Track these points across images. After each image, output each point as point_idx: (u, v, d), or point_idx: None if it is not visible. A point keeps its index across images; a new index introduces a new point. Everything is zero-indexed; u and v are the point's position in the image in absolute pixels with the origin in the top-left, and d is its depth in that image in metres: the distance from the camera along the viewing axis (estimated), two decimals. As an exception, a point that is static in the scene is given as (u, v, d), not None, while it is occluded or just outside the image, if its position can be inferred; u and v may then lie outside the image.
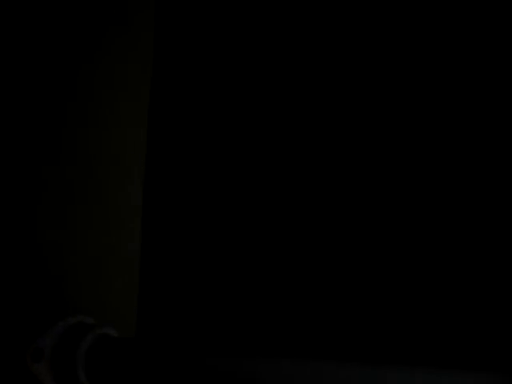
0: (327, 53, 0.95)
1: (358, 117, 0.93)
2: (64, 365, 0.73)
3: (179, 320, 0.96)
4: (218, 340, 0.95)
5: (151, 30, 0.94)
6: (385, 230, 0.91)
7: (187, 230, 0.98)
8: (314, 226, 0.94)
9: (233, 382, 0.67)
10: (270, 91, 0.97)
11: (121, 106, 0.91)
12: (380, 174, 0.92)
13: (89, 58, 0.87)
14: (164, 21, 0.98)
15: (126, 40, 0.90)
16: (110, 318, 0.86)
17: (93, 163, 0.88)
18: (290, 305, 0.93)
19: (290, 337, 0.92)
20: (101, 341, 0.74)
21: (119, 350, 0.74)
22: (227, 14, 0.98)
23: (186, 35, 0.99)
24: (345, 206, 0.93)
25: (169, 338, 0.94)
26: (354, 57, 0.93)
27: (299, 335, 0.92)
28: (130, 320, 0.90)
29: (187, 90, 0.99)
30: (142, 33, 0.93)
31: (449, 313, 0.88)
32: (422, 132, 0.90)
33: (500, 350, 0.83)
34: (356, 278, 0.91)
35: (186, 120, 0.99)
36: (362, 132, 0.93)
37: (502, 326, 0.84)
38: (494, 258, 0.87)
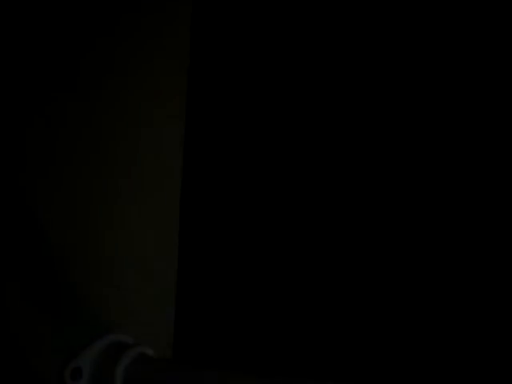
0: (327, 53, 0.95)
1: (359, 117, 0.93)
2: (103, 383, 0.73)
3: (215, 339, 0.96)
4: (251, 360, 0.94)
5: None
6: (385, 230, 0.90)
7: (225, 244, 0.98)
8: (318, 228, 0.93)
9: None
10: (271, 91, 0.97)
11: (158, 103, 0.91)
12: (380, 174, 0.91)
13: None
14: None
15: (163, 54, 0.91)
16: (147, 337, 0.85)
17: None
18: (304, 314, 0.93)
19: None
20: (139, 360, 0.74)
21: (158, 369, 0.73)
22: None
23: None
24: (345, 206, 0.92)
25: (205, 358, 0.93)
26: (353, 57, 0.93)
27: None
28: (167, 340, 0.90)
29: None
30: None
31: (448, 316, 0.86)
32: (422, 132, 0.90)
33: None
34: (356, 281, 0.91)
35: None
36: (362, 132, 0.92)
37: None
38: (493, 258, 0.85)
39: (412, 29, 0.90)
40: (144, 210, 0.89)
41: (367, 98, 0.92)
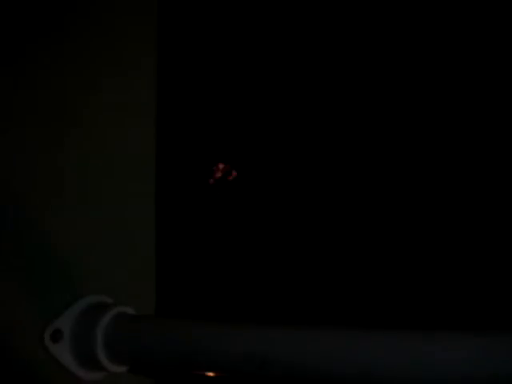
0: (327, 54, 0.94)
1: (359, 117, 0.92)
2: (83, 344, 0.72)
3: (195, 300, 0.96)
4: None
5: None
6: (385, 229, 0.90)
7: (198, 220, 0.98)
8: (316, 225, 0.93)
9: (247, 356, 0.65)
10: (271, 92, 0.96)
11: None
12: (380, 174, 0.91)
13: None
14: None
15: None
16: (129, 298, 0.85)
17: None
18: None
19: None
20: (119, 319, 0.73)
21: (139, 326, 0.73)
22: (229, 13, 0.97)
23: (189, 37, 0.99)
24: (345, 206, 0.92)
25: (186, 315, 0.93)
26: (354, 57, 0.93)
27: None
28: (148, 301, 0.89)
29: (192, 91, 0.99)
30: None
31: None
32: (421, 132, 0.90)
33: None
34: (356, 279, 0.91)
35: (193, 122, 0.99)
36: (362, 132, 0.92)
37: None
38: (494, 258, 0.86)
39: (412, 29, 0.90)
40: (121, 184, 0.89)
41: (366, 99, 0.92)
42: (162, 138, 0.94)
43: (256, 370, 0.62)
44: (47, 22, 0.82)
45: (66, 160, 0.83)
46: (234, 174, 0.88)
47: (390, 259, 0.90)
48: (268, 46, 0.96)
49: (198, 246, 0.99)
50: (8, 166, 0.77)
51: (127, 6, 0.91)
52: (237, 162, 0.97)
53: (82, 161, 0.84)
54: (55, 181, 0.81)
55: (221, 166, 0.93)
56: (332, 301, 0.92)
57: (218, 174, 0.92)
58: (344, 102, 0.93)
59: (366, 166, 0.92)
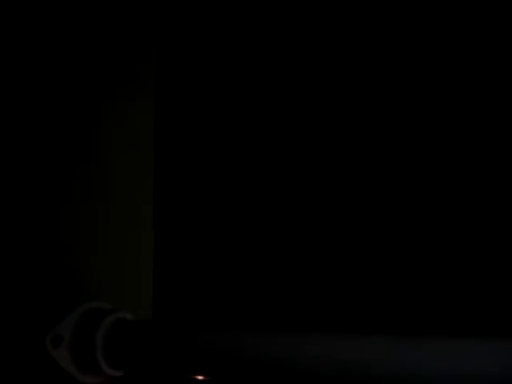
0: (327, 54, 0.95)
1: (358, 118, 0.93)
2: (83, 349, 0.74)
3: (193, 304, 0.97)
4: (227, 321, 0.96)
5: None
6: (384, 229, 0.91)
7: (196, 224, 0.99)
8: (314, 225, 0.94)
9: (252, 360, 0.67)
10: (271, 92, 0.97)
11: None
12: (380, 174, 0.92)
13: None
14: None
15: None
16: (127, 304, 0.87)
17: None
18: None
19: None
20: (118, 324, 0.75)
21: (137, 332, 0.75)
22: (228, 14, 0.98)
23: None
24: (345, 205, 0.93)
25: (185, 320, 0.95)
26: (353, 57, 0.94)
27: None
28: (146, 305, 0.91)
29: (189, 91, 1.00)
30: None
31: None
32: (421, 132, 0.91)
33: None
34: (356, 280, 0.92)
35: (190, 121, 1.00)
36: (363, 133, 0.93)
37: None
38: (493, 258, 0.87)
39: (412, 29, 0.90)
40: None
41: (362, 98, 0.92)
42: (160, 136, 0.96)
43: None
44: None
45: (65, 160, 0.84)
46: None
47: (390, 259, 0.91)
48: (268, 46, 0.97)
49: (195, 248, 1.01)
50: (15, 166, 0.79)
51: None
52: (236, 162, 0.98)
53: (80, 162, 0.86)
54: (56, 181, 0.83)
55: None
56: (332, 301, 0.93)
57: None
58: (344, 102, 0.94)
59: (366, 166, 0.93)
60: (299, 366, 0.64)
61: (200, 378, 0.72)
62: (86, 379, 0.77)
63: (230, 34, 0.99)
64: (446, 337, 0.60)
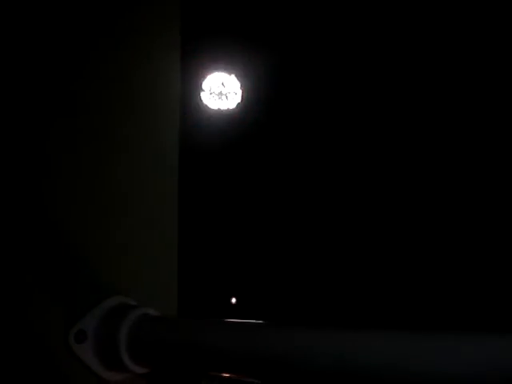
0: (327, 54, 0.94)
1: (358, 118, 0.92)
2: (107, 345, 0.73)
3: (217, 302, 0.96)
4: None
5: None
6: (384, 228, 0.90)
7: (219, 224, 0.98)
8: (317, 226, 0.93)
9: (271, 357, 0.65)
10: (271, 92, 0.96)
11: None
12: (380, 175, 0.90)
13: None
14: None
15: None
16: (152, 299, 0.85)
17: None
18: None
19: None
20: (142, 320, 0.74)
21: (161, 328, 0.73)
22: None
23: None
24: (345, 206, 0.92)
25: (209, 316, 0.93)
26: (353, 58, 0.92)
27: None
28: (171, 302, 0.90)
29: None
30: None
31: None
32: (421, 133, 0.89)
33: None
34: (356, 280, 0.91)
35: None
36: (362, 133, 0.92)
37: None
38: (493, 258, 0.85)
39: (412, 29, 0.89)
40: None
41: (366, 99, 0.91)
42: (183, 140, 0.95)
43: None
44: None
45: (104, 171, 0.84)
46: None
47: (390, 260, 0.89)
48: (268, 45, 0.96)
49: (218, 247, 1.00)
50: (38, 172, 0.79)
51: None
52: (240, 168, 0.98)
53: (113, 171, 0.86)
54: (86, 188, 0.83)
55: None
56: (331, 301, 0.91)
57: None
58: (344, 102, 0.93)
59: (366, 166, 0.92)
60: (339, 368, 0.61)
61: (225, 375, 0.70)
62: (110, 376, 0.76)
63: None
64: (449, 332, 0.57)
